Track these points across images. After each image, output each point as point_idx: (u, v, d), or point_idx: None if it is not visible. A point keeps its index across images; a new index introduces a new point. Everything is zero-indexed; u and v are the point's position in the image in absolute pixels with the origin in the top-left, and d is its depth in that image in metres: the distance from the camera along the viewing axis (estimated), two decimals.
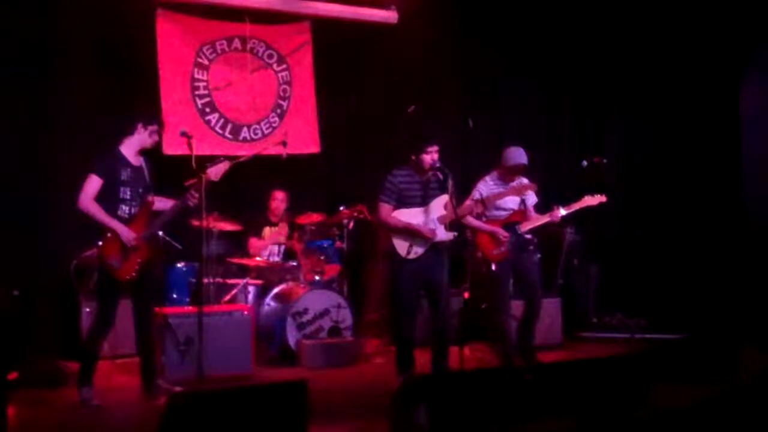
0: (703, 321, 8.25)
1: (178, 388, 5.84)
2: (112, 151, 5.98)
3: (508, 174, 6.94)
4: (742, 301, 8.45)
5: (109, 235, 5.80)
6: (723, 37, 9.00)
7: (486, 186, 6.95)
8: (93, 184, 5.81)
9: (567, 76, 9.83)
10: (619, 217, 8.72)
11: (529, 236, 7.01)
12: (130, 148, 5.99)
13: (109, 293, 5.92)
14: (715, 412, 5.08)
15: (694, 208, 9.15)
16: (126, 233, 5.82)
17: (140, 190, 5.99)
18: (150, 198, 6.04)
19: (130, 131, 5.98)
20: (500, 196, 6.80)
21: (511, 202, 6.95)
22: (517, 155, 6.88)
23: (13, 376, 6.08)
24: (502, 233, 6.85)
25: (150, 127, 5.99)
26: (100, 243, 5.80)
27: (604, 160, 7.75)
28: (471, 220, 6.86)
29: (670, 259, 9.15)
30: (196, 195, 5.96)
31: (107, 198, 5.84)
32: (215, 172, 5.97)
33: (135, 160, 6.02)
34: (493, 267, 6.91)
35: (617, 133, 9.88)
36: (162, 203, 6.11)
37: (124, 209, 5.90)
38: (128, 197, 5.92)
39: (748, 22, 8.83)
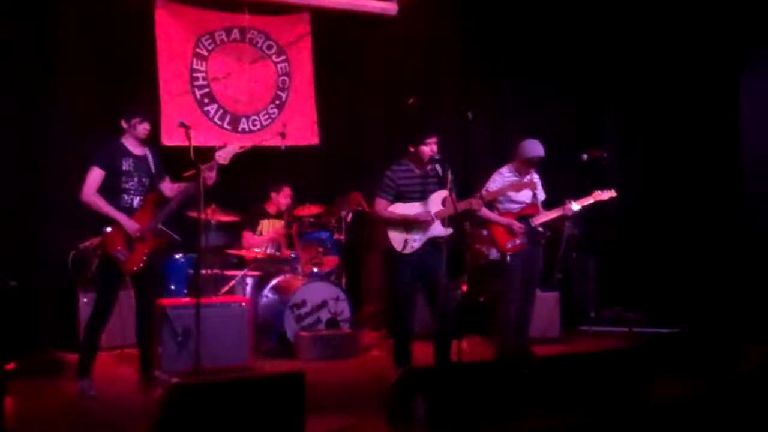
0: (701, 315, 8.26)
1: (175, 379, 5.84)
2: (113, 142, 5.98)
3: (524, 166, 6.95)
4: (740, 295, 8.44)
5: (113, 226, 5.79)
6: (722, 34, 8.98)
7: (501, 177, 6.96)
8: (95, 175, 5.80)
9: (567, 71, 9.80)
10: (617, 211, 8.71)
11: (541, 230, 7.02)
12: (129, 140, 6.00)
13: (109, 284, 5.91)
14: (713, 406, 5.09)
15: (692, 203, 9.14)
16: (130, 225, 5.81)
17: (144, 180, 5.98)
18: (157, 188, 6.04)
19: (121, 131, 6.00)
20: (500, 192, 6.81)
21: (524, 195, 6.97)
22: (535, 147, 6.90)
23: (11, 366, 6.08)
24: (518, 226, 6.87)
25: (132, 121, 5.96)
26: (105, 234, 5.78)
27: (604, 154, 7.74)
28: (487, 213, 6.87)
29: (668, 253, 9.14)
30: (212, 175, 5.90)
31: (110, 189, 5.83)
32: (224, 155, 5.94)
33: (137, 150, 6.01)
34: (508, 259, 6.91)
35: (616, 128, 9.85)
36: (173, 189, 6.10)
37: (126, 199, 5.89)
38: (131, 187, 5.91)
39: (747, 20, 8.81)
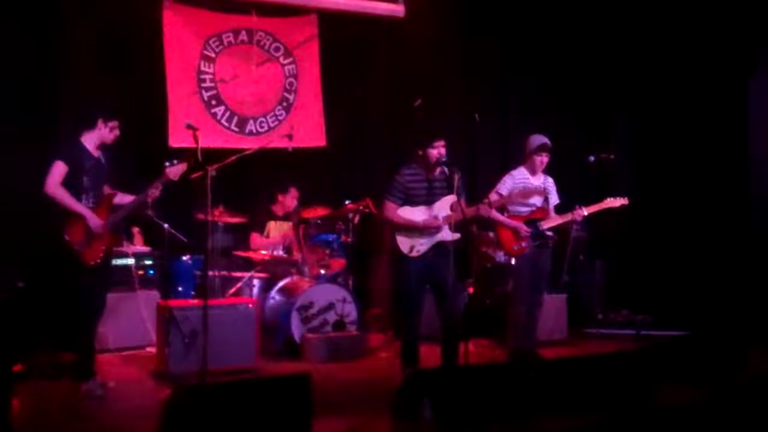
0: (709, 318, 8.23)
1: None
2: (74, 141, 5.97)
3: (535, 163, 6.92)
4: (748, 298, 8.41)
5: (72, 220, 5.78)
6: (731, 35, 8.96)
7: (512, 179, 6.95)
8: (59, 169, 5.78)
9: (573, 74, 9.80)
10: (624, 214, 8.68)
11: (550, 233, 6.99)
12: (91, 141, 5.96)
13: (80, 278, 5.87)
14: (719, 410, 5.07)
15: (700, 206, 9.11)
16: (94, 219, 5.81)
17: (100, 182, 5.98)
18: (109, 190, 6.03)
19: (89, 125, 5.95)
20: (507, 199, 6.81)
21: (535, 198, 6.96)
22: (538, 137, 6.93)
23: (18, 368, 6.09)
24: (525, 229, 6.85)
25: (110, 123, 5.94)
26: (66, 228, 5.76)
27: (611, 157, 7.72)
28: (495, 215, 6.84)
29: (676, 255, 9.12)
30: (157, 191, 5.95)
31: (71, 185, 5.81)
32: (174, 172, 5.99)
33: (95, 152, 5.99)
34: (513, 261, 6.91)
35: (623, 131, 9.83)
36: (120, 198, 6.08)
37: (85, 198, 5.88)
38: (90, 187, 5.90)
39: (755, 22, 8.79)
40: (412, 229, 6.20)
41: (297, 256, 8.05)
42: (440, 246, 6.21)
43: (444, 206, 6.27)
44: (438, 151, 6.20)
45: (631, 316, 8.69)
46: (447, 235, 6.23)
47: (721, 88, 9.08)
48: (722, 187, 9.02)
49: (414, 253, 6.18)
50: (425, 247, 6.19)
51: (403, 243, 6.19)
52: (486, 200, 6.49)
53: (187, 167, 6.06)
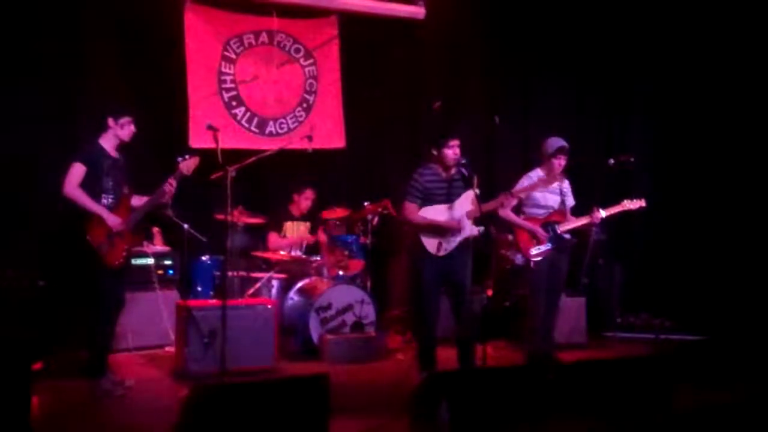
0: (728, 322, 8.16)
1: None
2: (93, 143, 6.03)
3: (552, 165, 6.87)
4: None
5: (93, 222, 5.84)
6: (755, 33, 8.88)
7: (529, 181, 6.90)
8: (77, 171, 5.86)
9: (594, 74, 9.75)
10: (644, 217, 8.66)
11: (567, 236, 6.94)
12: (109, 142, 6.03)
13: (101, 277, 5.92)
14: (739, 415, 5.03)
15: (720, 207, 9.03)
16: (112, 219, 5.88)
17: (119, 182, 6.04)
18: (126, 190, 6.09)
19: (103, 128, 6.02)
20: (528, 189, 6.77)
21: (552, 200, 6.91)
22: (556, 140, 6.86)
23: (38, 366, 6.13)
24: (541, 233, 6.82)
25: (121, 120, 6.00)
26: (88, 230, 5.82)
27: (631, 159, 7.66)
28: (511, 217, 6.82)
29: (696, 258, 9.04)
30: (172, 187, 6.00)
31: (90, 186, 5.88)
32: (187, 166, 6.05)
33: (114, 153, 6.06)
34: (532, 264, 6.87)
35: (643, 132, 9.77)
36: (137, 200, 6.15)
37: (105, 198, 5.95)
38: (110, 187, 5.97)
39: None
40: (438, 228, 6.20)
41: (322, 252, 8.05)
42: (464, 242, 6.22)
43: (464, 202, 6.27)
44: (453, 150, 6.21)
45: (651, 320, 8.63)
46: (472, 230, 6.24)
47: (744, 87, 9.00)
48: (744, 188, 8.94)
49: (442, 252, 6.18)
50: (453, 245, 6.20)
51: (430, 243, 6.19)
52: (508, 192, 6.46)
53: (200, 161, 6.11)
